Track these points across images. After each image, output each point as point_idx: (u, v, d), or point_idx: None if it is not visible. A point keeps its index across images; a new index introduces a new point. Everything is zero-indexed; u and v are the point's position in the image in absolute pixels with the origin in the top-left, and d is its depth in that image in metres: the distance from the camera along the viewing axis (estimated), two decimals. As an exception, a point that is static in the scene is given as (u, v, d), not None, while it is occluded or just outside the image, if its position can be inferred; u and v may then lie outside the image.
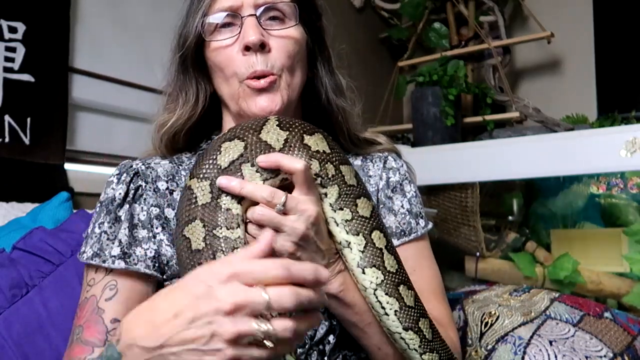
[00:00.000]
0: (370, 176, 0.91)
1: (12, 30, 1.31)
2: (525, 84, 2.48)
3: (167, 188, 0.82)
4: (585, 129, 1.82)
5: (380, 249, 0.71)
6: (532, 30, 2.32)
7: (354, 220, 0.71)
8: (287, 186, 0.68)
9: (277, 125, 0.68)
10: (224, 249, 0.64)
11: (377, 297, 0.70)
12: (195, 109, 0.86)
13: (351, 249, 0.71)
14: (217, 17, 0.81)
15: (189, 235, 0.65)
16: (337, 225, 0.71)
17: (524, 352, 0.97)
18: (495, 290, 1.21)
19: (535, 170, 1.75)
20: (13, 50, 1.30)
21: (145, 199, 0.80)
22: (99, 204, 0.81)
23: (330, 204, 0.70)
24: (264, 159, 0.66)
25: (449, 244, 1.99)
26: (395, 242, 0.86)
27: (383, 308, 0.71)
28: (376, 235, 0.71)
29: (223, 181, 0.65)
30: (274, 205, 0.64)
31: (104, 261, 0.76)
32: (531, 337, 1.00)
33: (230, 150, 0.66)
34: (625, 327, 1.04)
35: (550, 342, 0.98)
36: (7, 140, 1.28)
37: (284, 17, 0.83)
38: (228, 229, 0.65)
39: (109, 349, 0.55)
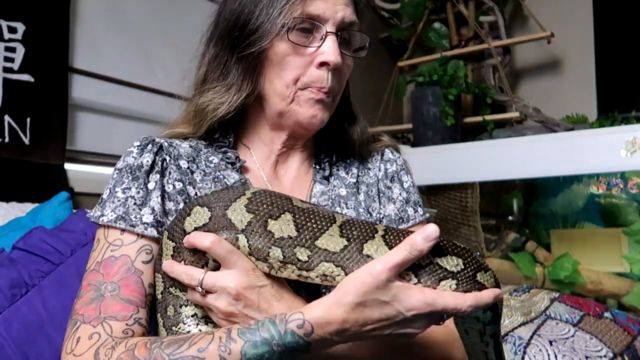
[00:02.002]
0: (369, 169, 0.93)
1: (12, 30, 1.31)
2: (525, 84, 2.48)
3: (188, 167, 0.82)
4: (585, 129, 1.82)
5: None
6: (532, 30, 2.32)
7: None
8: None
9: (244, 206, 0.65)
10: (174, 305, 0.69)
11: None
12: (245, 101, 0.83)
13: None
14: (303, 22, 0.78)
15: (155, 281, 0.72)
16: None
17: (524, 352, 0.97)
18: (495, 290, 1.21)
19: (535, 170, 1.75)
20: (13, 50, 1.31)
21: (170, 173, 0.80)
22: (117, 171, 0.78)
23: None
24: (185, 241, 0.67)
25: (449, 244, 1.99)
26: None
27: None
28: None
29: (164, 265, 0.69)
30: (194, 287, 0.65)
31: (132, 226, 0.72)
32: (531, 337, 1.00)
33: (198, 216, 0.67)
34: (625, 327, 1.04)
35: (550, 342, 0.98)
36: (7, 140, 1.28)
37: (350, 42, 0.84)
38: (181, 291, 0.69)
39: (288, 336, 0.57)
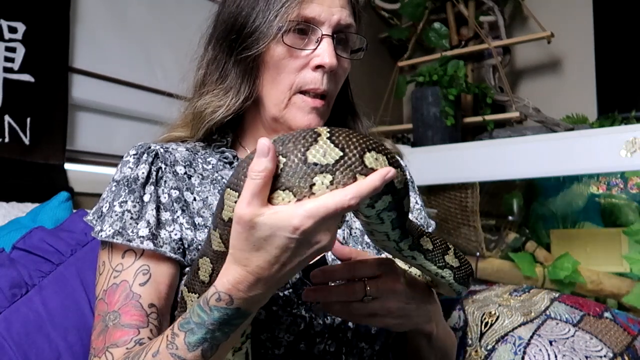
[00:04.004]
0: None
1: (12, 30, 1.31)
2: (525, 84, 2.48)
3: (185, 173, 0.82)
4: (585, 129, 1.82)
5: None
6: (532, 30, 2.32)
7: None
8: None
9: (219, 234, 0.63)
10: None
11: None
12: (243, 105, 0.84)
13: None
14: (298, 25, 0.78)
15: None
16: None
17: (524, 352, 0.97)
18: (495, 290, 1.21)
19: (535, 170, 1.75)
20: (13, 50, 1.31)
21: (165, 181, 0.80)
22: (114, 183, 0.79)
23: None
24: None
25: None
26: None
27: None
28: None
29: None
30: (362, 300, 0.68)
31: (129, 240, 0.73)
32: (531, 337, 1.00)
33: (206, 267, 0.67)
34: (625, 327, 1.04)
35: (550, 342, 0.98)
36: (7, 140, 1.28)
37: (346, 44, 0.84)
38: None
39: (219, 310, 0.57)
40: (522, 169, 1.77)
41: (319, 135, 0.54)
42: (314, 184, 0.53)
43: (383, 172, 0.52)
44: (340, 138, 0.54)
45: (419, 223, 0.92)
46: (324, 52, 0.79)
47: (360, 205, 0.55)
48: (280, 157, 0.53)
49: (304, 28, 0.79)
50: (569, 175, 1.83)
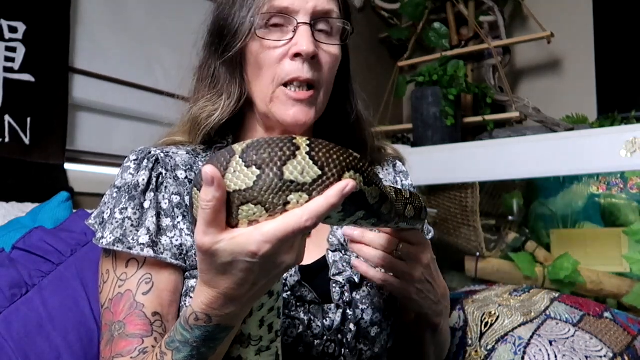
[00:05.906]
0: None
1: (13, 30, 1.31)
2: (525, 84, 2.48)
3: (186, 177, 0.82)
4: (585, 129, 1.82)
5: None
6: (532, 30, 2.32)
7: None
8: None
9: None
10: None
11: None
12: (237, 106, 0.84)
13: None
14: (273, 17, 0.79)
15: None
16: None
17: (524, 352, 0.97)
18: (495, 290, 1.21)
19: (535, 170, 1.75)
20: (13, 50, 1.31)
21: (166, 187, 0.80)
22: (115, 189, 0.79)
23: None
24: None
25: (449, 244, 1.99)
26: None
27: None
28: None
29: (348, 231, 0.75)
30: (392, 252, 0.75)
31: (129, 248, 0.73)
32: (531, 337, 1.00)
33: None
34: (625, 327, 1.04)
35: (550, 342, 0.98)
36: (7, 140, 1.28)
37: (331, 32, 0.83)
38: None
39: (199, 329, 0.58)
40: (522, 169, 1.77)
41: (298, 149, 0.51)
42: (288, 202, 0.50)
43: (340, 187, 0.49)
44: (320, 155, 0.51)
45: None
46: (301, 39, 0.78)
47: (331, 220, 0.55)
48: (254, 168, 0.50)
49: (280, 20, 0.79)
50: (569, 175, 1.83)
